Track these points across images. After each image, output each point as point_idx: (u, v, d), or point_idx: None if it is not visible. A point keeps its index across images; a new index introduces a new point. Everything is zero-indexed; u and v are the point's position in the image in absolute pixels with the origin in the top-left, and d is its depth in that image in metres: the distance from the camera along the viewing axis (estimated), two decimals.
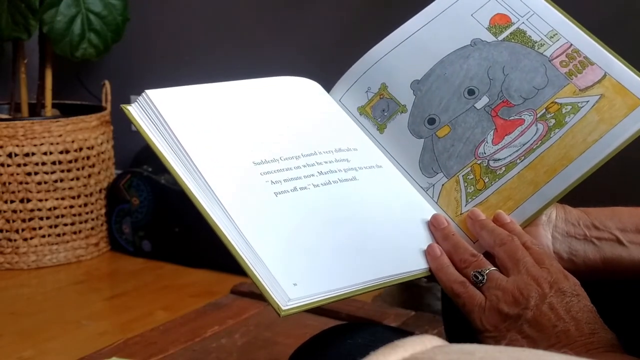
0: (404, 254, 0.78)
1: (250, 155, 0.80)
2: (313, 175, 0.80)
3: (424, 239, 0.80)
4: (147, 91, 0.81)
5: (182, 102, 0.82)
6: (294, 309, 0.69)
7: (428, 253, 0.78)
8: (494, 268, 0.74)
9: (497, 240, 0.76)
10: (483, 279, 0.73)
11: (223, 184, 0.76)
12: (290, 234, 0.75)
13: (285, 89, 0.89)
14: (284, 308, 0.68)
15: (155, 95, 0.81)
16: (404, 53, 0.89)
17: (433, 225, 0.80)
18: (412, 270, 0.77)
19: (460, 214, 0.82)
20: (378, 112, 0.88)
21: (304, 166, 0.81)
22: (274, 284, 0.70)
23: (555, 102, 0.82)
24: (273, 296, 0.69)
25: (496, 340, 0.70)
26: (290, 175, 0.79)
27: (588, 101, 0.81)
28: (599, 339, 0.68)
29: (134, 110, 0.80)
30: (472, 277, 0.74)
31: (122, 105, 0.81)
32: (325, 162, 0.82)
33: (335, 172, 0.82)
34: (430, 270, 0.77)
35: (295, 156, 0.81)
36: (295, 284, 0.70)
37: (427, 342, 0.40)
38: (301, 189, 0.78)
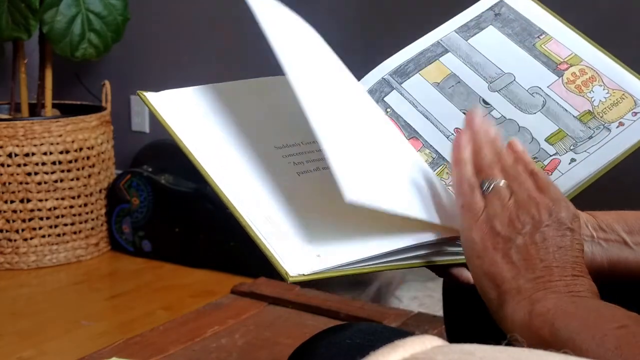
0: (427, 225, 0.76)
1: (272, 140, 0.80)
2: None
3: (444, 212, 0.77)
4: (160, 92, 0.80)
5: (193, 102, 0.82)
6: (313, 274, 0.69)
7: (455, 140, 0.75)
8: (505, 182, 0.72)
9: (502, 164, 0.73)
10: (490, 187, 0.72)
11: (242, 162, 0.76)
12: (314, 209, 0.75)
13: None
14: (291, 274, 0.68)
15: (161, 96, 0.80)
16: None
17: (470, 120, 0.76)
18: (433, 240, 0.75)
19: None
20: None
21: None
22: (296, 254, 0.69)
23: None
24: (280, 262, 0.69)
25: (479, 258, 0.69)
26: (312, 157, 0.79)
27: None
28: (582, 283, 0.67)
29: (152, 98, 0.80)
30: (481, 183, 0.72)
31: (139, 92, 0.80)
32: None
33: None
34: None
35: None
36: (318, 255, 0.70)
37: (427, 342, 0.40)
38: (324, 168, 0.78)
